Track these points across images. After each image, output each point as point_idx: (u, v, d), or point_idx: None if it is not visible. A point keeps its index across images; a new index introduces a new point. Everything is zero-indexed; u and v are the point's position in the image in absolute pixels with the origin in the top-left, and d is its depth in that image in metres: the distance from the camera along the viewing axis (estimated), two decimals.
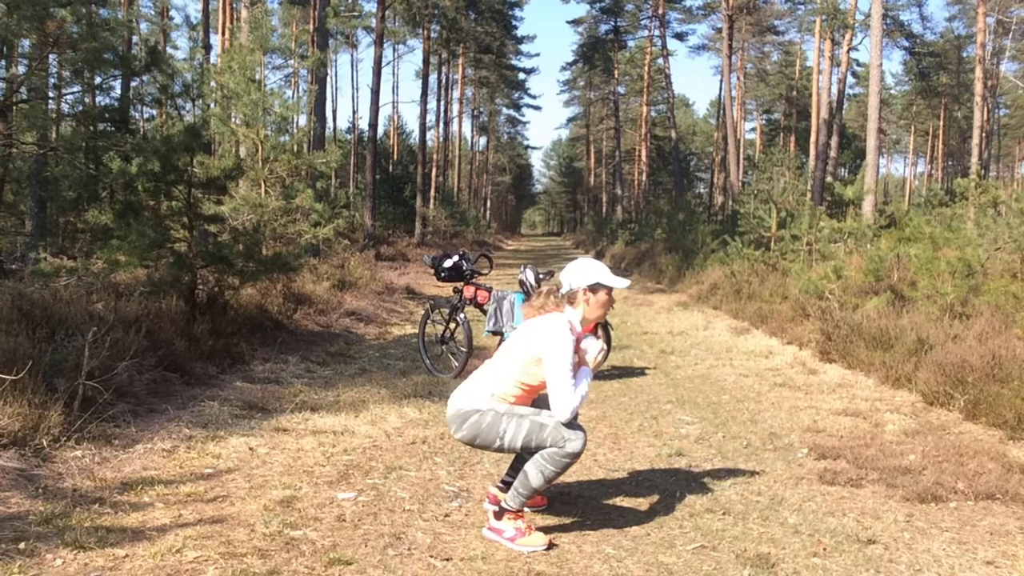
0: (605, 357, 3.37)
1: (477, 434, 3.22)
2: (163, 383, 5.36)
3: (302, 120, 14.13)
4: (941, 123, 45.08)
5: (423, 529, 3.36)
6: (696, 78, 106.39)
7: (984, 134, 25.69)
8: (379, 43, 21.61)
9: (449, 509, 3.61)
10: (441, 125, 36.55)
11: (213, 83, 11.26)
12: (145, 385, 5.13)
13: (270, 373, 6.35)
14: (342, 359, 7.28)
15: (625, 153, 48.27)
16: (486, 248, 27.39)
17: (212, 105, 11.17)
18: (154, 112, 13.93)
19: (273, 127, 10.77)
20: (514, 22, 36.63)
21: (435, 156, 34.23)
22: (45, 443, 3.90)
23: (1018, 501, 3.81)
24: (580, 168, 67.63)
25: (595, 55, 38.16)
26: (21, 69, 8.75)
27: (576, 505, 3.73)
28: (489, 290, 6.71)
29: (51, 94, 9.27)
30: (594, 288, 3.33)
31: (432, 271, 7.01)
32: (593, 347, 3.32)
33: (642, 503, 3.76)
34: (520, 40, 38.82)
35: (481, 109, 47.68)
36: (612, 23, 36.94)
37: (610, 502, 3.78)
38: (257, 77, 10.84)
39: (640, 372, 7.18)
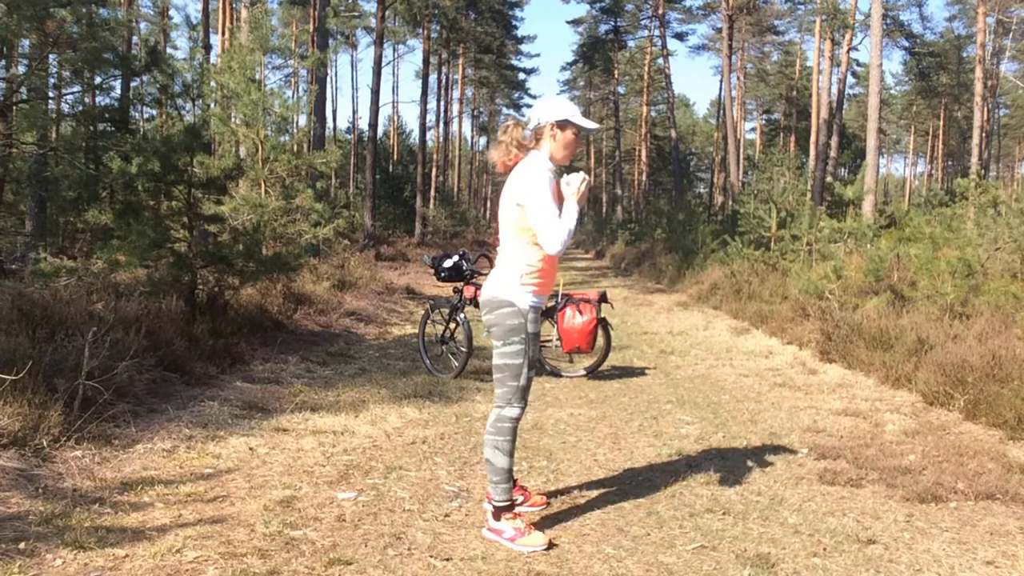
0: (589, 187, 3.27)
1: (498, 324, 3.25)
2: (163, 383, 5.36)
3: (302, 120, 14.12)
4: (941, 123, 45.09)
5: (423, 529, 3.35)
6: (696, 78, 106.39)
7: (984, 134, 25.69)
8: (379, 43, 21.61)
9: (449, 509, 3.61)
10: (441, 125, 36.59)
11: (213, 83, 11.25)
12: (145, 385, 5.13)
13: (270, 373, 6.34)
14: (342, 359, 7.28)
15: (625, 153, 48.28)
16: (486, 248, 27.35)
17: (212, 105, 11.17)
18: (154, 112, 13.91)
19: (273, 127, 10.77)
20: (514, 22, 36.64)
21: (435, 156, 34.23)
22: (45, 443, 3.90)
23: (1018, 501, 3.81)
24: (580, 168, 67.61)
25: (595, 55, 38.14)
26: (21, 69, 8.74)
27: (576, 505, 3.73)
28: None
29: (51, 94, 9.26)
30: (562, 125, 3.25)
31: (432, 271, 7.01)
32: (575, 179, 3.23)
33: (642, 503, 3.76)
34: (520, 40, 38.81)
35: (481, 109, 47.68)
36: (612, 23, 36.93)
37: (610, 502, 3.78)
38: (257, 77, 10.83)
39: (640, 372, 7.18)
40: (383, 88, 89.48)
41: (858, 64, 36.44)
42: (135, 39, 17.59)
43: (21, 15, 6.85)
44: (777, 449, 4.70)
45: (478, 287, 6.75)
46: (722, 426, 5.26)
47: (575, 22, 38.38)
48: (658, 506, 3.72)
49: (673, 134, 33.62)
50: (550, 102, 3.31)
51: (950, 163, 50.30)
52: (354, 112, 45.26)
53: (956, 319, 7.13)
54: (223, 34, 20.78)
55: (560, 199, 3.24)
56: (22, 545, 2.93)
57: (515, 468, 3.46)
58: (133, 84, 11.29)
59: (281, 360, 6.84)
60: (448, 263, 6.84)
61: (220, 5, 21.79)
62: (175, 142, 6.41)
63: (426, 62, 28.21)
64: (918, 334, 6.62)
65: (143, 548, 2.98)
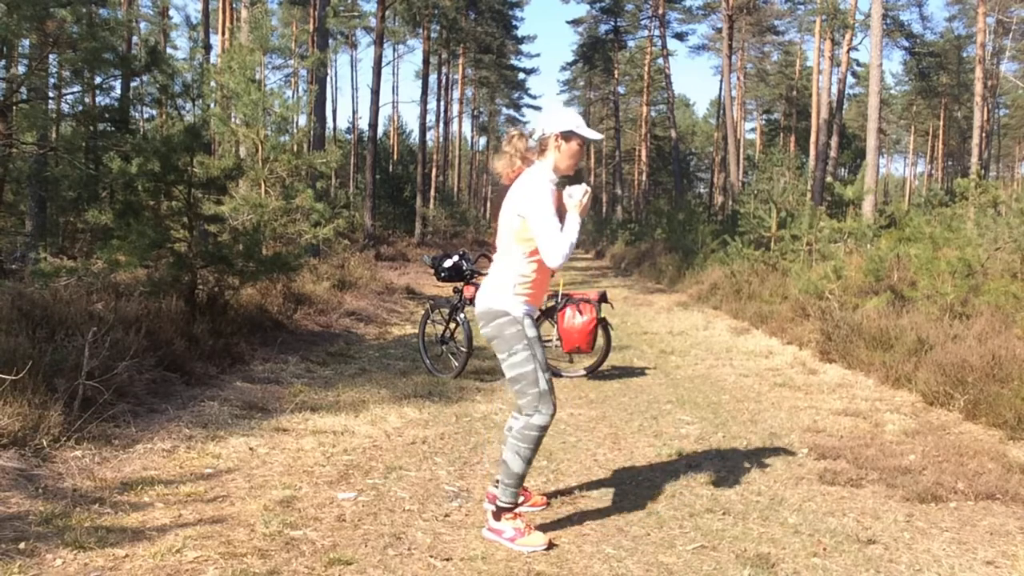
0: (591, 199, 3.29)
1: (498, 336, 3.25)
2: (163, 383, 5.36)
3: (302, 120, 14.12)
4: (941, 123, 45.10)
5: (423, 529, 3.35)
6: (696, 78, 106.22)
7: (984, 134, 25.69)
8: (379, 43, 21.61)
9: (449, 509, 3.61)
10: (441, 125, 36.60)
11: (213, 83, 11.25)
12: (145, 385, 5.13)
13: (270, 373, 6.34)
14: (342, 359, 7.28)
15: (625, 153, 48.27)
16: (486, 248, 27.34)
17: (212, 105, 11.17)
18: (154, 112, 13.92)
19: (273, 127, 10.76)
20: (514, 22, 36.65)
21: (435, 156, 34.23)
22: (45, 443, 3.90)
23: (1018, 501, 3.81)
24: (580, 168, 67.46)
25: (595, 55, 38.15)
26: (21, 69, 8.74)
27: (576, 505, 3.73)
28: None
29: (51, 94, 9.26)
30: (567, 136, 3.26)
31: (432, 271, 7.01)
32: (577, 191, 3.24)
33: (642, 503, 3.76)
34: (520, 40, 38.82)
35: (481, 109, 47.68)
36: (612, 23, 36.93)
37: (610, 502, 3.78)
38: (257, 77, 10.83)
39: (640, 372, 7.18)
40: (383, 88, 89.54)
41: (858, 64, 36.47)
42: (135, 39, 17.59)
43: (21, 15, 6.85)
44: (777, 449, 4.70)
45: (478, 287, 6.74)
46: (722, 426, 5.26)
47: (575, 22, 38.40)
48: (658, 506, 3.72)
49: (673, 134, 33.62)
50: (555, 113, 3.32)
51: (950, 163, 50.30)
52: (354, 112, 45.28)
53: (956, 319, 7.13)
54: (223, 34, 20.78)
55: (562, 211, 3.24)
56: (22, 545, 2.93)
57: None
58: (133, 84, 11.29)
59: (281, 360, 6.83)
60: (448, 263, 6.84)
61: (220, 5, 21.79)
62: (175, 142, 6.40)
63: (426, 62, 28.22)
64: (918, 334, 6.62)
65: (143, 548, 2.98)
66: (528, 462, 3.23)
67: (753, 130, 53.25)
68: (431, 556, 3.09)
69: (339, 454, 4.35)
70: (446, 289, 9.11)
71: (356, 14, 31.68)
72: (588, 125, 3.37)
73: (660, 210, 23.53)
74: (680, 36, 37.89)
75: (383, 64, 22.13)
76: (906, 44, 31.20)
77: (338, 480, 3.93)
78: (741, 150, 36.92)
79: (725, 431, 5.13)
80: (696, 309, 11.62)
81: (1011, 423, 4.91)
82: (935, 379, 5.73)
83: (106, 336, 4.80)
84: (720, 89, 35.05)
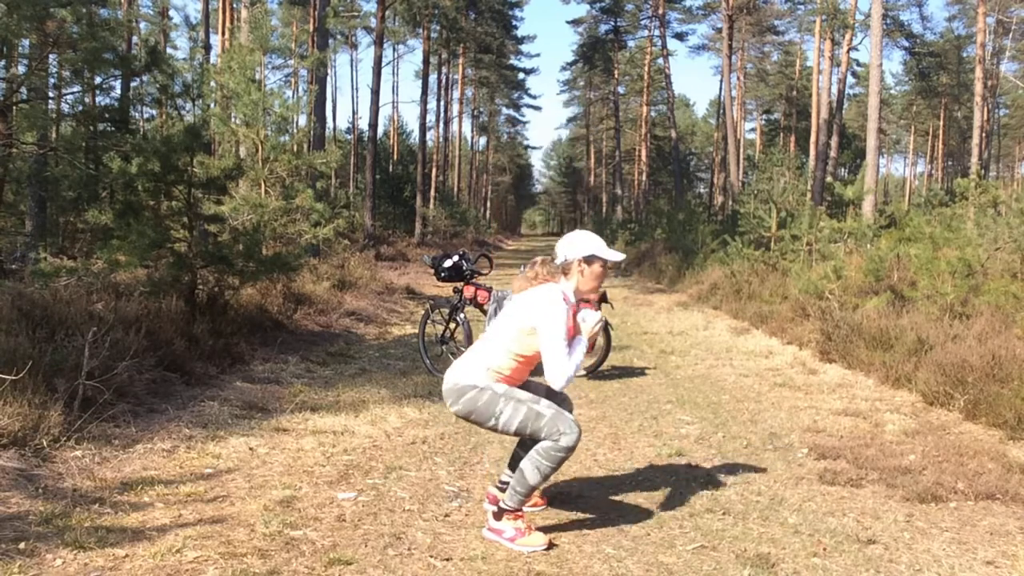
0: (602, 329, 3.35)
1: (472, 410, 3.21)
2: (163, 383, 5.36)
3: (302, 120, 14.12)
4: (941, 123, 45.09)
5: (423, 529, 3.35)
6: (696, 78, 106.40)
7: (984, 134, 25.69)
8: (379, 43, 21.61)
9: (449, 509, 3.61)
10: (441, 125, 36.60)
11: (213, 83, 11.25)
12: (145, 385, 5.13)
13: (270, 373, 6.34)
14: (342, 359, 7.28)
15: (625, 153, 48.27)
16: (486, 248, 27.40)
17: (212, 105, 11.17)
18: (154, 112, 13.93)
19: (273, 127, 10.76)
20: (514, 22, 36.69)
21: (435, 156, 34.23)
22: (45, 443, 3.90)
23: (1018, 501, 3.81)
24: (580, 168, 67.60)
25: (595, 55, 38.16)
26: (21, 69, 8.74)
27: (576, 505, 3.73)
28: (489, 290, 6.71)
29: (51, 94, 9.26)
30: (589, 260, 3.30)
31: (432, 271, 7.01)
32: (591, 318, 3.29)
33: (642, 503, 3.76)
34: (520, 40, 38.87)
35: (481, 109, 47.67)
36: (612, 23, 36.95)
37: (610, 502, 3.78)
38: (257, 77, 10.83)
39: (640, 372, 7.18)
40: (383, 88, 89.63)
41: (858, 64, 36.47)
42: (135, 39, 17.57)
43: (21, 15, 6.85)
44: (777, 449, 4.70)
45: (478, 287, 6.75)
46: (722, 426, 5.26)
47: (575, 22, 38.41)
48: (658, 506, 3.72)
49: (673, 134, 33.63)
50: (576, 239, 3.35)
51: (950, 163, 50.30)
52: (354, 112, 45.26)
53: (956, 319, 7.12)
54: (223, 34, 20.77)
55: (572, 330, 3.27)
56: (22, 545, 2.93)
57: (516, 468, 3.46)
58: (133, 84, 11.29)
59: (281, 360, 6.84)
60: (448, 263, 6.84)
61: (220, 5, 21.78)
62: (175, 142, 6.40)
63: (426, 62, 28.22)
64: (918, 334, 6.62)
65: (143, 548, 2.99)
66: (545, 478, 3.20)
67: (753, 130, 53.25)
68: (431, 556, 3.09)
69: (339, 454, 4.35)
70: (446, 289, 9.11)
71: (356, 14, 31.65)
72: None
73: (660, 210, 23.53)
74: (680, 36, 37.92)
75: (383, 64, 22.14)
76: (906, 44, 31.21)
77: (338, 480, 3.93)
78: (741, 150, 36.92)
79: (725, 431, 5.13)
80: (696, 309, 11.62)
81: (1011, 423, 4.91)
82: (935, 379, 5.73)
83: (106, 336, 4.80)
84: (720, 89, 35.06)
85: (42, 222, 10.09)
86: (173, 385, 5.46)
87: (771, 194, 14.11)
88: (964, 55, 36.83)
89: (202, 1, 20.23)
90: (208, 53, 19.93)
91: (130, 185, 6.63)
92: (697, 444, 4.82)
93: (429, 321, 7.17)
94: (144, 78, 9.75)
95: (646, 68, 40.02)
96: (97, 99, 10.51)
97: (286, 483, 3.82)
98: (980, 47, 25.81)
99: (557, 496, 3.82)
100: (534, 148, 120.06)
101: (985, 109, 25.78)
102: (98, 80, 9.11)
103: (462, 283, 6.84)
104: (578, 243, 3.33)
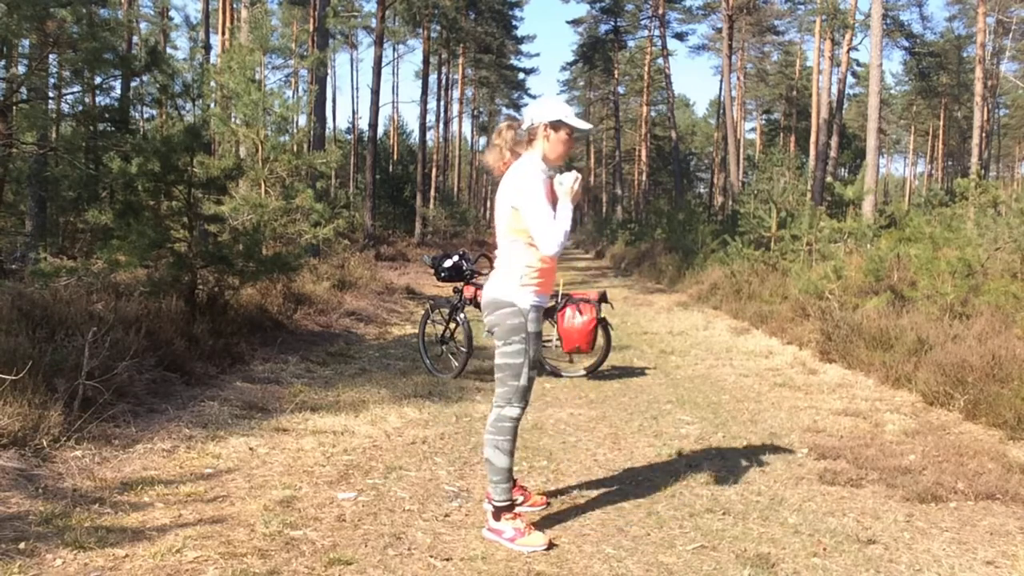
0: (582, 186, 3.30)
1: (498, 324, 3.26)
2: (163, 383, 5.36)
3: (302, 120, 14.11)
4: (941, 123, 45.11)
5: (423, 529, 3.35)
6: (696, 78, 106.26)
7: (984, 134, 25.70)
8: (379, 43, 21.61)
9: (449, 509, 3.61)
10: (441, 125, 36.60)
11: (213, 83, 11.25)
12: (145, 385, 5.13)
13: (270, 373, 6.34)
14: (342, 359, 7.28)
15: (625, 153, 48.28)
16: (486, 248, 27.34)
17: (212, 105, 11.17)
18: (154, 112, 13.91)
19: (273, 127, 10.76)
20: (514, 22, 36.65)
21: (435, 156, 34.23)
22: (45, 443, 3.90)
23: (1018, 501, 3.81)
24: (580, 168, 67.63)
25: (595, 55, 38.14)
26: (21, 69, 8.74)
27: (576, 505, 3.73)
28: None
29: (51, 94, 9.26)
30: (555, 125, 3.26)
31: (432, 271, 7.01)
32: (567, 178, 3.25)
33: (642, 503, 3.76)
34: (520, 40, 38.82)
35: (481, 109, 47.67)
36: (612, 23, 36.93)
37: (610, 502, 3.78)
38: (257, 77, 10.83)
39: (640, 372, 7.18)
40: (383, 88, 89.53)
41: (858, 64, 36.47)
42: (135, 39, 17.57)
43: (21, 15, 6.85)
44: (777, 449, 4.70)
45: (478, 287, 6.75)
46: (722, 426, 5.26)
47: (575, 22, 38.41)
48: (658, 506, 3.72)
49: (673, 134, 33.63)
50: (544, 103, 3.33)
51: (950, 163, 50.30)
52: (354, 112, 45.27)
53: (956, 319, 7.12)
54: (223, 34, 20.76)
55: (554, 199, 3.25)
56: (22, 545, 2.93)
57: (515, 468, 3.46)
58: (133, 84, 11.27)
59: (281, 360, 6.84)
60: (448, 263, 6.84)
61: (220, 5, 21.78)
62: (175, 142, 6.40)
63: (426, 62, 28.22)
64: (918, 334, 6.62)
65: (143, 548, 2.98)
66: (509, 454, 3.25)
67: (753, 130, 53.27)
68: (431, 556, 3.09)
69: (339, 454, 4.35)
70: (446, 289, 9.10)
71: (356, 14, 31.66)
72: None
73: (660, 210, 23.53)
74: (680, 36, 37.91)
75: (383, 64, 22.14)
76: (906, 44, 31.21)
77: (338, 480, 3.93)
78: (741, 150, 36.92)
79: (725, 431, 5.13)
80: (696, 309, 11.62)
81: (1011, 423, 4.91)
82: (935, 379, 5.73)
83: (106, 336, 4.80)
84: (720, 89, 35.07)
85: (42, 222, 10.09)
86: (173, 385, 5.46)
87: (771, 194, 14.11)
88: (964, 55, 36.84)
89: (202, 1, 20.25)
90: (208, 53, 19.95)
91: (130, 185, 6.63)
92: (697, 444, 4.82)
93: (429, 321, 7.17)
94: (144, 78, 9.73)
95: (646, 68, 40.01)
96: (97, 99, 10.51)
97: (286, 483, 3.82)
98: (980, 47, 25.82)
99: (557, 496, 3.82)
100: None
101: (985, 109, 25.79)
102: (98, 80, 9.10)
103: (462, 283, 6.84)
104: (546, 107, 3.29)
